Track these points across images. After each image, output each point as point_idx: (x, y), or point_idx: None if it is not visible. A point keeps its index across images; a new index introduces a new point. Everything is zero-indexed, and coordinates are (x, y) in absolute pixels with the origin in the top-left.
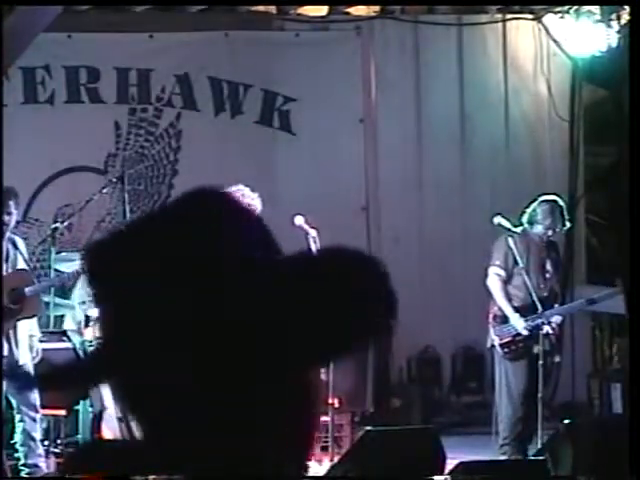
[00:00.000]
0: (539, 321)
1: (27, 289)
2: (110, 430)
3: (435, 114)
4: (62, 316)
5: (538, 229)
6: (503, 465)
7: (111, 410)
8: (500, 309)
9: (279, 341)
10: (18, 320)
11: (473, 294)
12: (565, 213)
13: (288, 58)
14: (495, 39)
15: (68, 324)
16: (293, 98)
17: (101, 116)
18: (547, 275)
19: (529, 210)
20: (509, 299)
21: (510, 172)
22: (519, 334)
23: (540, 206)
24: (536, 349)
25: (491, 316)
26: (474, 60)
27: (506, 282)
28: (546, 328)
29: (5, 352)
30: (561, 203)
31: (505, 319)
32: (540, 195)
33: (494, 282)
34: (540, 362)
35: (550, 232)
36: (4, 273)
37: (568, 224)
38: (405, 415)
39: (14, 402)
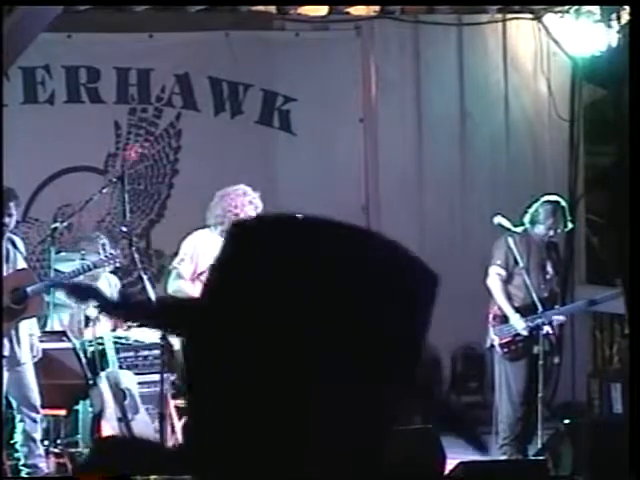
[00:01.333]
0: (539, 321)
1: (29, 288)
2: (110, 430)
3: (435, 114)
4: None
5: (539, 229)
6: (503, 465)
7: (111, 410)
8: (500, 309)
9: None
10: (21, 320)
11: (473, 294)
12: (567, 214)
13: (288, 58)
14: (495, 39)
15: (65, 324)
16: (293, 98)
17: (101, 116)
18: (547, 275)
19: (531, 210)
20: (509, 299)
21: (510, 172)
22: (519, 334)
23: (542, 206)
24: (536, 349)
25: (491, 316)
26: (474, 60)
27: (506, 282)
28: (546, 328)
29: (6, 352)
30: (563, 204)
31: (505, 319)
32: (542, 195)
33: (494, 282)
34: (540, 362)
35: (551, 232)
36: (4, 273)
37: (570, 225)
38: (405, 415)
39: (14, 402)
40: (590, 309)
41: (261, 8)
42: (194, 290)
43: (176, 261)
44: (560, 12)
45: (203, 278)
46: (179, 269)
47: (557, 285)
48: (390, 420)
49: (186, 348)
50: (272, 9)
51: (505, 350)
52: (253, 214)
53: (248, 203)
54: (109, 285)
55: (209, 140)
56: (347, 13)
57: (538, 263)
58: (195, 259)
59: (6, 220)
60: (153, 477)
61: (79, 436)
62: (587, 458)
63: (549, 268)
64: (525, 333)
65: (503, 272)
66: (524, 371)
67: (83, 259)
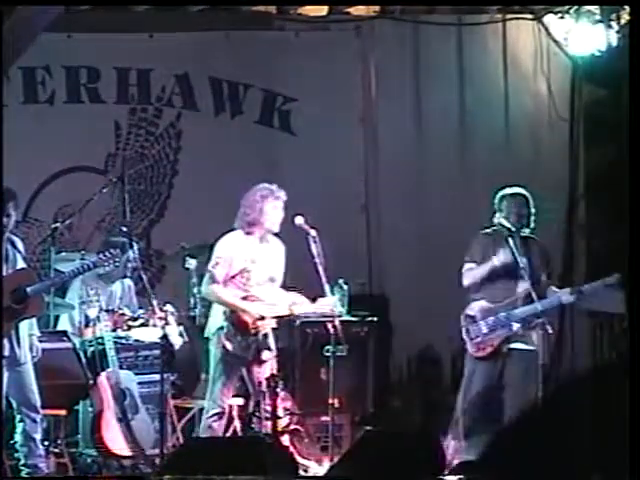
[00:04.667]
0: (505, 319)
1: (29, 288)
2: (110, 430)
3: (435, 114)
4: (58, 316)
5: (505, 224)
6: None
7: (111, 410)
8: (471, 309)
9: None
10: (21, 320)
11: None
12: (531, 205)
13: (288, 58)
14: (495, 39)
15: (64, 324)
16: (293, 98)
17: (101, 116)
18: (520, 273)
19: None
20: (484, 297)
21: (510, 171)
22: (487, 333)
23: (500, 200)
24: (505, 348)
25: (462, 316)
26: (474, 60)
27: (479, 279)
28: (516, 327)
29: (6, 352)
30: (524, 194)
31: (474, 318)
32: (503, 188)
33: (465, 275)
34: (540, 362)
35: (512, 226)
36: (4, 274)
37: (532, 219)
38: (405, 415)
39: (14, 402)
40: (587, 307)
41: (261, 8)
42: (224, 293)
43: (210, 264)
44: (560, 12)
45: (236, 280)
46: (213, 272)
47: (529, 283)
48: None
49: None
50: (272, 9)
51: (473, 349)
52: (271, 219)
53: (269, 209)
54: (122, 288)
55: (209, 140)
56: (347, 13)
57: (508, 261)
58: (229, 262)
59: (4, 220)
60: (167, 477)
61: (79, 436)
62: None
63: (521, 265)
64: (485, 331)
65: (473, 265)
66: (491, 371)
67: (83, 259)
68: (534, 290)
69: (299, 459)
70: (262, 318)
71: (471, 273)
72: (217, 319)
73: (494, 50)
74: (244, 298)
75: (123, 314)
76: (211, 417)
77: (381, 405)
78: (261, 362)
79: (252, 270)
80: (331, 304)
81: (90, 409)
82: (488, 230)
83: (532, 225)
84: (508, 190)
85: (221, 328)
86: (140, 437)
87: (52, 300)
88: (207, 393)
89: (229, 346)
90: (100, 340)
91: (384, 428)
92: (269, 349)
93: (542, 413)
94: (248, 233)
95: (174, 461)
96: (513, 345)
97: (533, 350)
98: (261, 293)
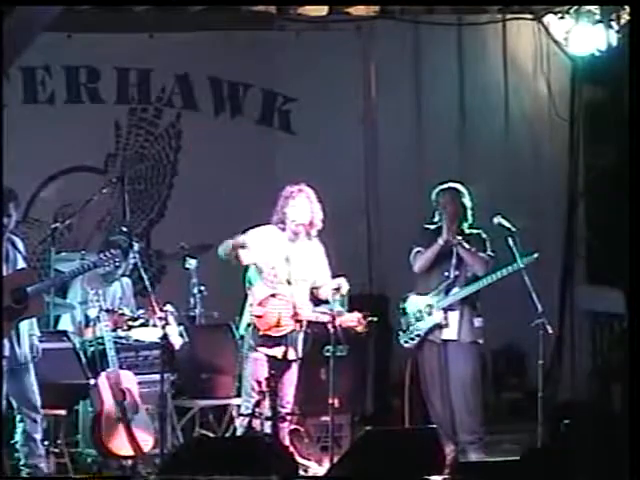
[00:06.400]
0: (428, 310)
1: (29, 288)
2: (110, 430)
3: (435, 114)
4: (58, 316)
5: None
6: (502, 465)
7: (111, 410)
8: (403, 301)
9: None
10: (21, 320)
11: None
12: (468, 200)
13: (288, 58)
14: (495, 39)
15: (64, 324)
16: (293, 98)
17: (101, 116)
18: (450, 266)
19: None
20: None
21: (510, 172)
22: (413, 324)
23: (437, 195)
24: (432, 337)
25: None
26: (474, 60)
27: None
28: (438, 317)
29: (6, 352)
30: (460, 189)
31: (405, 310)
32: (443, 182)
33: (415, 259)
34: (540, 362)
35: (441, 221)
36: (4, 273)
37: (469, 216)
38: (405, 415)
39: (14, 402)
40: (591, 308)
41: (261, 8)
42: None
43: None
44: (560, 12)
45: (264, 276)
46: (235, 238)
47: (457, 278)
48: None
49: None
50: (272, 9)
51: (404, 340)
52: (292, 218)
53: (289, 211)
54: (121, 286)
55: (209, 140)
56: (347, 13)
57: (441, 255)
58: (252, 248)
59: (5, 221)
60: (152, 477)
61: (79, 436)
62: (587, 458)
63: (452, 260)
64: (412, 322)
65: (420, 249)
66: (424, 361)
67: (83, 259)
68: (458, 281)
69: (299, 459)
70: (281, 318)
71: (420, 255)
72: (246, 317)
73: (494, 50)
74: (272, 295)
75: (123, 314)
76: (246, 416)
77: (381, 405)
78: (288, 362)
79: (278, 267)
80: (355, 320)
81: (90, 409)
82: (430, 226)
83: (470, 220)
84: (445, 185)
85: (249, 325)
86: (140, 437)
87: (52, 300)
88: (242, 391)
89: (256, 344)
90: (100, 340)
91: (384, 428)
92: (295, 349)
93: (539, 413)
94: (280, 230)
95: (174, 461)
96: (444, 336)
97: (457, 340)
98: (288, 292)
